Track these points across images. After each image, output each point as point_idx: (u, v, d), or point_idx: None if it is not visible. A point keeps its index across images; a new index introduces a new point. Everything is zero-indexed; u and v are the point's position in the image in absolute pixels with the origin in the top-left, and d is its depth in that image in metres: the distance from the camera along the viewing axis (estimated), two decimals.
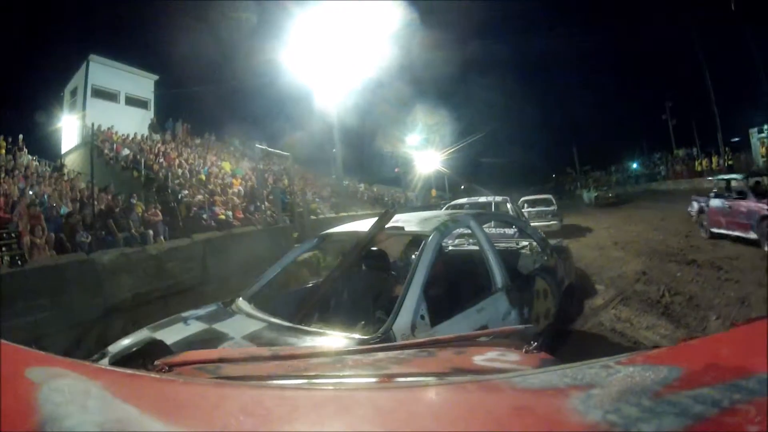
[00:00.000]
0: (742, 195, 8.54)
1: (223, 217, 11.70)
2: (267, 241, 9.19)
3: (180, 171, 15.77)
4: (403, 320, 2.34)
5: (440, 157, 36.37)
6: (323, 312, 2.97)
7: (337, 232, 3.90)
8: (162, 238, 9.43)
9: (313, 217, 14.02)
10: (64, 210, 9.76)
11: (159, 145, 19.39)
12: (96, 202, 9.96)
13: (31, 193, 11.20)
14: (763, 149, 26.82)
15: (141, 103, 25.03)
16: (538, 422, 0.56)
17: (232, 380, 1.07)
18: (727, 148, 30.32)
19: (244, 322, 2.70)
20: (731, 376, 0.53)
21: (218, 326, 2.64)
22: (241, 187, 15.99)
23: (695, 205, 10.94)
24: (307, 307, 2.93)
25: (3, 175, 12.36)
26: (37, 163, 16.45)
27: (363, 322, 2.68)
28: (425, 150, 36.03)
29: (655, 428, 0.46)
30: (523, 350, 1.24)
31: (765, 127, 27.22)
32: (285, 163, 17.61)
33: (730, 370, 0.56)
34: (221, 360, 1.26)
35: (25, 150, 16.16)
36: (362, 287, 3.23)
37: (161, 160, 16.86)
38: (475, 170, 42.34)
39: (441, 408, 0.70)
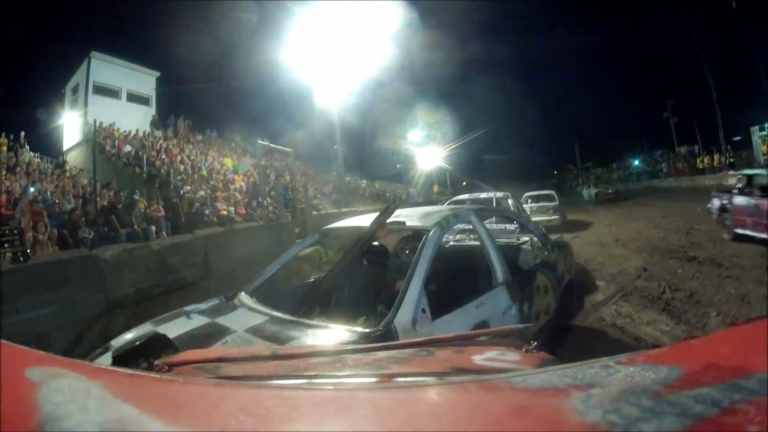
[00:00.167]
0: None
1: (225, 212, 11.75)
2: (269, 236, 9.25)
3: (182, 167, 15.80)
4: (404, 314, 2.36)
5: (442, 153, 36.33)
6: (325, 306, 2.98)
7: (339, 227, 3.92)
8: (164, 233, 9.43)
9: (314, 213, 14.07)
10: (66, 207, 9.80)
11: (161, 141, 19.43)
12: (99, 199, 10.02)
13: (33, 189, 11.25)
14: (764, 147, 26.87)
15: (143, 100, 25.14)
16: (538, 422, 0.56)
17: (231, 380, 1.08)
18: (728, 146, 30.31)
19: (246, 316, 2.71)
20: (731, 376, 0.53)
21: (221, 320, 2.65)
22: (243, 183, 16.03)
23: (716, 203, 9.71)
24: (309, 301, 2.94)
25: (5, 172, 12.42)
26: (39, 160, 16.50)
27: (365, 317, 2.70)
28: (427, 146, 36.04)
29: (655, 428, 0.46)
30: (523, 350, 1.24)
31: (766, 125, 27.21)
32: (287, 159, 17.63)
33: (730, 370, 0.56)
34: (221, 359, 1.27)
35: (27, 147, 16.22)
36: (364, 282, 3.26)
37: (163, 156, 16.90)
38: (477, 167, 42.44)
39: (441, 408, 0.70)
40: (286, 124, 26.85)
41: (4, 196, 10.21)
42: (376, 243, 3.33)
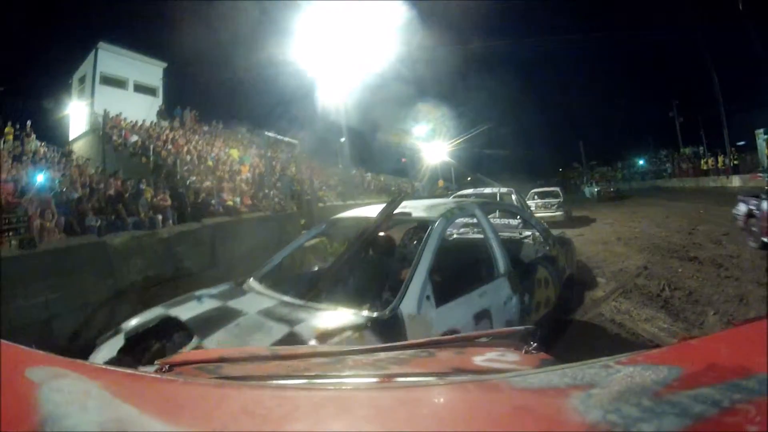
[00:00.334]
0: None
1: (231, 203, 11.83)
2: (275, 227, 9.30)
3: (188, 158, 15.88)
4: (409, 300, 2.45)
5: (447, 148, 36.34)
6: (332, 293, 3.07)
7: (347, 217, 4.03)
8: (170, 222, 9.53)
9: (320, 204, 14.14)
10: (73, 195, 9.88)
11: (167, 132, 19.50)
12: (106, 188, 10.11)
13: (41, 178, 11.35)
14: None
15: (150, 90, 25.21)
16: (538, 422, 0.57)
17: (232, 380, 1.08)
18: (732, 149, 30.25)
19: (257, 299, 2.78)
20: (731, 376, 0.53)
21: (232, 303, 2.72)
22: (249, 175, 16.10)
23: (742, 208, 8.70)
24: (317, 287, 3.03)
25: (11, 160, 12.51)
26: (46, 150, 16.59)
27: (371, 303, 2.77)
28: (433, 141, 35.96)
29: (655, 428, 0.46)
30: (523, 351, 1.24)
31: None
32: (293, 151, 17.71)
33: (730, 370, 0.56)
34: (221, 360, 1.27)
35: (33, 136, 16.26)
36: (370, 270, 3.35)
37: (169, 146, 16.97)
38: (483, 162, 42.28)
39: (441, 408, 0.70)
40: (292, 116, 26.81)
41: (10, 185, 10.35)
42: (382, 234, 3.44)
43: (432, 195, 25.60)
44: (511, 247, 4.28)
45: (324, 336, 2.15)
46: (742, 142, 31.32)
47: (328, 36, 21.47)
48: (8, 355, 0.74)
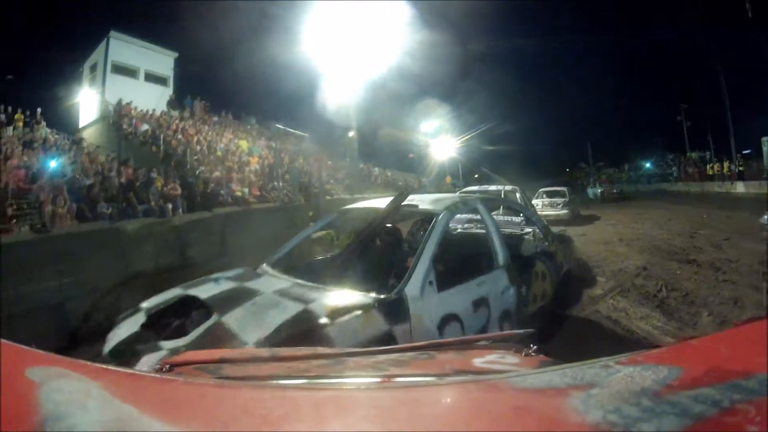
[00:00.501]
0: None
1: (239, 193, 12.02)
2: (283, 218, 9.51)
3: (198, 148, 16.04)
4: (413, 284, 2.63)
5: (456, 144, 36.41)
6: (342, 277, 3.24)
7: (356, 207, 4.22)
8: (180, 211, 9.70)
9: (327, 197, 14.30)
10: (84, 182, 10.05)
11: (177, 121, 19.67)
12: (117, 175, 10.29)
13: (53, 164, 11.51)
14: None
15: (160, 80, 25.32)
16: (538, 422, 0.57)
17: (232, 380, 1.09)
18: (738, 155, 30.22)
19: (272, 281, 2.96)
20: (731, 376, 0.54)
21: (248, 284, 2.89)
22: (258, 166, 16.26)
23: None
24: (328, 271, 3.21)
25: (21, 147, 12.66)
26: (57, 136, 16.74)
27: (378, 287, 2.92)
28: (441, 137, 36.01)
29: (655, 428, 0.46)
30: (523, 353, 1.23)
31: None
32: (301, 143, 17.86)
33: (730, 370, 0.57)
34: (222, 360, 1.29)
35: (43, 123, 16.41)
36: (378, 258, 3.55)
37: (179, 136, 17.12)
38: (491, 159, 42.19)
39: (441, 408, 0.70)
40: (301, 109, 26.90)
41: (22, 171, 10.52)
42: (389, 225, 3.63)
43: (439, 191, 25.71)
44: (512, 242, 4.45)
45: (335, 313, 2.31)
46: (748, 150, 31.32)
47: (338, 31, 21.44)
48: (8, 355, 0.74)
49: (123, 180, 10.13)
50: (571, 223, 14.87)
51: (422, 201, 3.68)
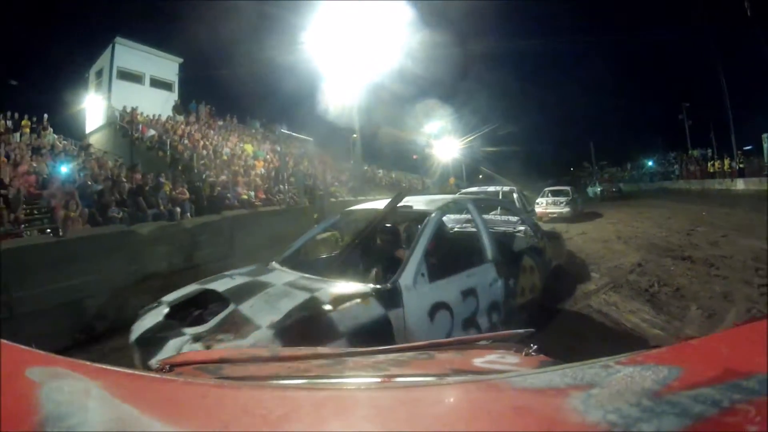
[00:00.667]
0: None
1: (245, 197, 12.31)
2: (289, 220, 9.79)
3: (204, 152, 16.32)
4: (407, 275, 2.95)
5: (459, 145, 36.64)
6: (345, 271, 3.60)
7: (358, 209, 4.61)
8: (188, 215, 9.98)
9: (332, 199, 14.54)
10: (96, 187, 10.30)
11: (183, 126, 19.98)
12: (126, 180, 10.57)
13: (64, 170, 11.79)
14: None
15: (165, 85, 25.77)
16: (538, 422, 0.57)
17: (232, 380, 1.09)
18: (739, 152, 30.34)
19: (282, 275, 3.27)
20: (731, 376, 0.53)
21: (260, 278, 3.19)
22: (263, 169, 16.53)
23: None
24: (332, 267, 3.56)
25: (30, 153, 12.92)
26: (66, 142, 16.99)
27: (376, 278, 3.29)
28: (444, 138, 36.24)
29: (655, 428, 0.46)
30: (523, 353, 1.23)
31: None
32: (306, 146, 18.10)
33: (730, 370, 0.56)
34: (222, 360, 1.30)
35: (50, 129, 16.70)
36: (376, 254, 3.89)
37: (185, 141, 17.43)
38: (495, 160, 42.29)
39: (441, 408, 0.70)
40: (305, 111, 27.08)
41: (32, 176, 10.80)
42: (388, 225, 3.94)
43: (443, 192, 25.90)
44: (504, 239, 4.77)
45: (338, 300, 2.63)
46: (749, 147, 31.44)
47: (341, 33, 21.45)
48: (8, 355, 0.74)
49: (132, 185, 10.40)
50: (573, 221, 15.69)
51: (417, 202, 4.03)
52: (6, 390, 0.61)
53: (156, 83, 25.33)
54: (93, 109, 23.12)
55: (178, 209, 9.94)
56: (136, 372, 0.98)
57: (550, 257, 4.95)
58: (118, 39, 23.66)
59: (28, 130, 15.68)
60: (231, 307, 2.63)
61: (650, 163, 49.03)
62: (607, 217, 17.18)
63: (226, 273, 3.46)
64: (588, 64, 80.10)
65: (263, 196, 13.08)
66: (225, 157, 16.70)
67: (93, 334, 5.39)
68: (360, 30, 21.27)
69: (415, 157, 38.52)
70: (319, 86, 22.85)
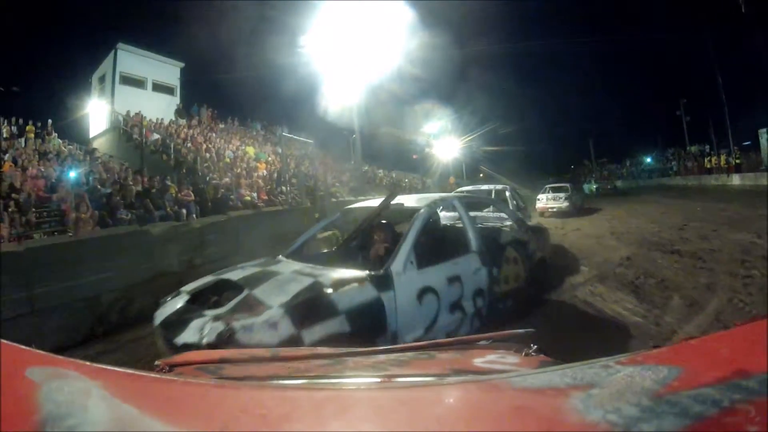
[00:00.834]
0: None
1: (248, 198, 12.62)
2: (291, 220, 10.17)
3: (207, 155, 16.65)
4: (398, 262, 3.36)
5: (459, 144, 37.03)
6: (344, 261, 4.06)
7: (357, 207, 5.09)
8: (194, 216, 10.24)
9: (333, 200, 14.81)
10: (105, 190, 10.59)
11: (185, 129, 20.28)
12: (132, 183, 10.89)
13: (72, 174, 12.10)
14: None
15: (167, 90, 26.13)
16: (538, 422, 0.57)
17: (232, 380, 1.10)
18: (736, 148, 30.65)
19: (289, 265, 3.69)
20: (731, 376, 0.53)
21: (270, 268, 3.59)
22: (265, 171, 16.86)
23: None
24: (333, 258, 4.08)
25: (38, 158, 13.20)
26: (72, 146, 17.23)
27: (371, 266, 3.64)
28: (445, 137, 36.60)
29: (655, 428, 0.47)
30: (523, 353, 1.24)
31: None
32: (307, 148, 18.36)
33: (730, 370, 0.56)
34: (222, 360, 1.31)
35: (55, 134, 16.96)
36: (371, 246, 4.29)
37: (188, 144, 17.74)
38: (495, 159, 42.50)
39: (441, 408, 0.70)
40: (305, 113, 27.24)
41: (41, 180, 11.11)
42: (383, 221, 4.34)
43: (443, 191, 26.14)
44: (490, 232, 5.15)
45: (338, 284, 3.05)
46: (748, 142, 31.78)
47: (340, 35, 21.36)
48: (8, 355, 0.74)
49: (140, 188, 10.73)
50: (571, 216, 16.73)
51: (408, 200, 4.47)
52: (6, 390, 0.61)
53: (158, 87, 25.66)
54: (96, 113, 23.32)
55: (184, 211, 10.19)
56: (136, 372, 0.93)
57: (534, 249, 5.33)
58: (120, 44, 23.96)
59: (32, 135, 15.89)
60: (245, 292, 3.02)
61: (648, 160, 49.29)
62: (603, 213, 17.77)
63: (239, 265, 3.86)
64: (586, 64, 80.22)
65: (265, 198, 13.39)
66: (228, 160, 17.01)
67: (111, 327, 5.77)
68: (359, 32, 21.29)
69: (415, 156, 38.77)
70: (319, 88, 23.04)
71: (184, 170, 14.42)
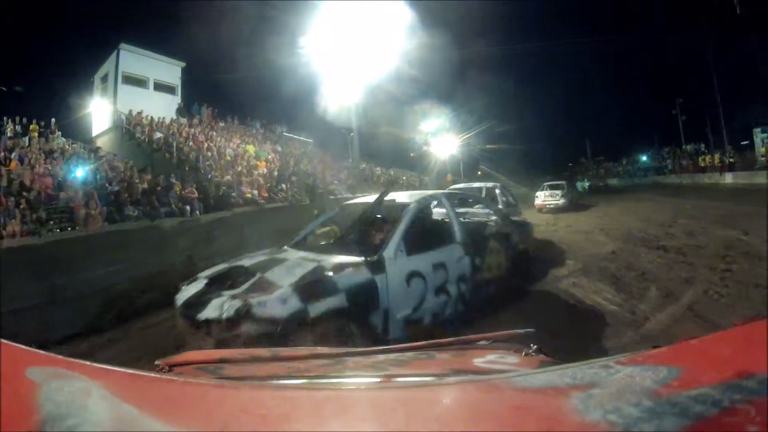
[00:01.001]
0: None
1: (249, 195, 12.99)
2: (291, 216, 10.56)
3: (209, 153, 16.98)
4: (389, 250, 3.84)
5: (457, 142, 37.23)
6: (343, 250, 4.43)
7: (354, 203, 5.65)
8: (197, 213, 10.60)
9: (331, 197, 15.04)
10: (113, 188, 10.92)
11: (187, 128, 20.59)
12: (137, 181, 11.24)
13: (80, 172, 12.43)
14: (764, 149, 27.75)
15: (169, 89, 26.30)
16: (538, 422, 0.58)
17: (232, 380, 1.10)
18: (730, 146, 31.00)
19: (294, 253, 4.17)
20: (731, 376, 0.53)
21: (278, 256, 4.06)
22: (265, 169, 17.21)
23: None
24: (333, 248, 4.67)
25: (43, 157, 13.47)
26: (76, 145, 17.41)
27: (366, 253, 4.06)
28: (442, 135, 36.77)
29: (655, 428, 0.46)
30: (523, 353, 1.24)
31: None
32: (306, 147, 18.69)
33: (730, 370, 0.56)
34: (222, 360, 1.31)
35: (59, 133, 17.18)
36: (367, 237, 4.68)
37: (190, 142, 18.06)
38: (493, 157, 42.65)
39: (441, 408, 0.70)
40: (304, 111, 27.31)
41: (48, 178, 11.41)
42: (377, 215, 4.75)
43: (441, 188, 26.39)
44: (474, 226, 5.64)
45: (337, 267, 3.52)
46: (746, 142, 32.24)
47: (338, 35, 21.33)
48: (8, 355, 0.74)
49: (146, 185, 11.08)
50: (566, 211, 17.86)
51: (399, 196, 5.01)
52: (6, 390, 0.61)
53: (160, 87, 25.84)
54: (99, 113, 23.60)
55: (188, 207, 10.55)
56: (136, 372, 0.93)
57: (516, 242, 5.84)
58: (122, 45, 24.13)
59: (36, 134, 16.07)
60: (258, 275, 3.49)
61: (644, 158, 49.62)
62: (595, 210, 18.27)
63: (249, 254, 4.33)
64: (584, 63, 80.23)
65: (266, 195, 13.75)
66: (228, 158, 17.32)
67: (126, 315, 6.14)
68: (358, 32, 21.26)
69: (412, 155, 38.95)
70: (318, 87, 23.13)
71: (187, 168, 14.72)
